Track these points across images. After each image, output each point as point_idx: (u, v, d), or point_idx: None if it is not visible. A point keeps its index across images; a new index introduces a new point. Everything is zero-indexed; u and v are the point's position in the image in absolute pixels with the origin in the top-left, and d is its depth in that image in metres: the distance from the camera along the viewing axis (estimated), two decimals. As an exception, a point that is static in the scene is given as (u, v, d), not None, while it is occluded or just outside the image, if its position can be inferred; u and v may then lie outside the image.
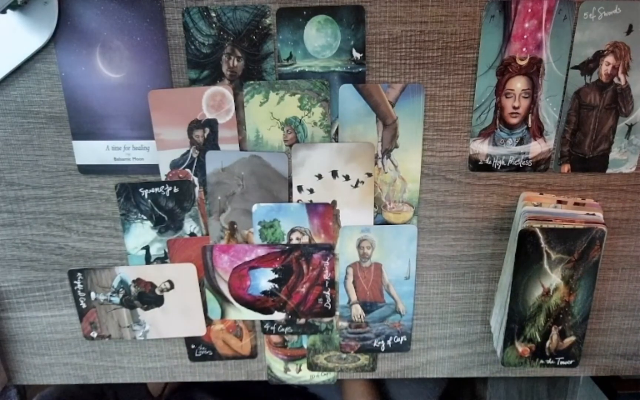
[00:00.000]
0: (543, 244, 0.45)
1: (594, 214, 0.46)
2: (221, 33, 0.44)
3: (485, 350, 0.56)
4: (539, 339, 0.50)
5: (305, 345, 0.55)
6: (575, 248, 0.45)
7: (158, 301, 0.53)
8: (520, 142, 0.47)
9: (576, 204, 0.46)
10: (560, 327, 0.49)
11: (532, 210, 0.46)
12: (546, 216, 0.45)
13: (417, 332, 0.55)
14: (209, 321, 0.54)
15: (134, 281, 0.52)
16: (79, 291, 0.52)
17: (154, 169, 0.48)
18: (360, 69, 0.45)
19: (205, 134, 0.47)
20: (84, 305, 0.53)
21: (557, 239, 0.45)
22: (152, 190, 0.49)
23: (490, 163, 0.48)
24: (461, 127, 0.47)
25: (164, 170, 0.48)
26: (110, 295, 0.52)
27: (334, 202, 0.49)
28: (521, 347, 0.50)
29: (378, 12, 0.43)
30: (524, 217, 0.45)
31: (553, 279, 0.46)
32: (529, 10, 0.43)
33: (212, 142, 0.47)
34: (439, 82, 0.45)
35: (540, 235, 0.44)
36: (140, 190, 0.49)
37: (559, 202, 0.47)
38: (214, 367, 0.57)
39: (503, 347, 0.50)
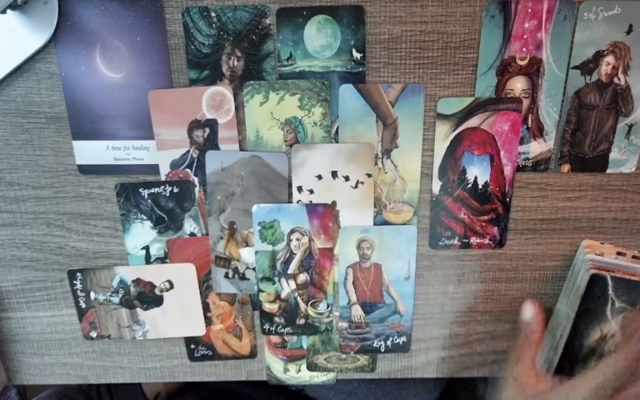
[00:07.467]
0: (610, 291, 0.46)
1: None
2: (221, 33, 0.44)
3: (485, 350, 0.56)
4: None
5: (304, 346, 0.55)
6: (638, 300, 0.47)
7: (157, 301, 0.53)
8: (520, 142, 0.47)
9: (634, 257, 0.49)
10: None
11: (595, 259, 0.48)
12: (608, 267, 0.47)
13: (417, 332, 0.55)
14: (208, 321, 0.54)
15: (133, 281, 0.52)
16: (78, 291, 0.52)
17: (154, 169, 0.48)
18: (360, 69, 0.45)
19: (205, 134, 0.47)
20: (83, 305, 0.53)
21: (625, 288, 0.46)
22: (152, 190, 0.49)
23: (490, 163, 0.48)
24: (461, 127, 0.47)
25: (164, 170, 0.48)
26: (110, 295, 0.52)
27: (334, 203, 0.49)
28: None
29: (378, 12, 0.43)
30: (586, 264, 0.47)
31: (612, 326, 0.48)
32: (529, 10, 0.43)
33: (212, 142, 0.47)
34: (439, 82, 0.45)
35: (609, 282, 0.46)
36: (140, 190, 0.49)
37: (619, 253, 0.49)
38: (214, 367, 0.57)
39: None
